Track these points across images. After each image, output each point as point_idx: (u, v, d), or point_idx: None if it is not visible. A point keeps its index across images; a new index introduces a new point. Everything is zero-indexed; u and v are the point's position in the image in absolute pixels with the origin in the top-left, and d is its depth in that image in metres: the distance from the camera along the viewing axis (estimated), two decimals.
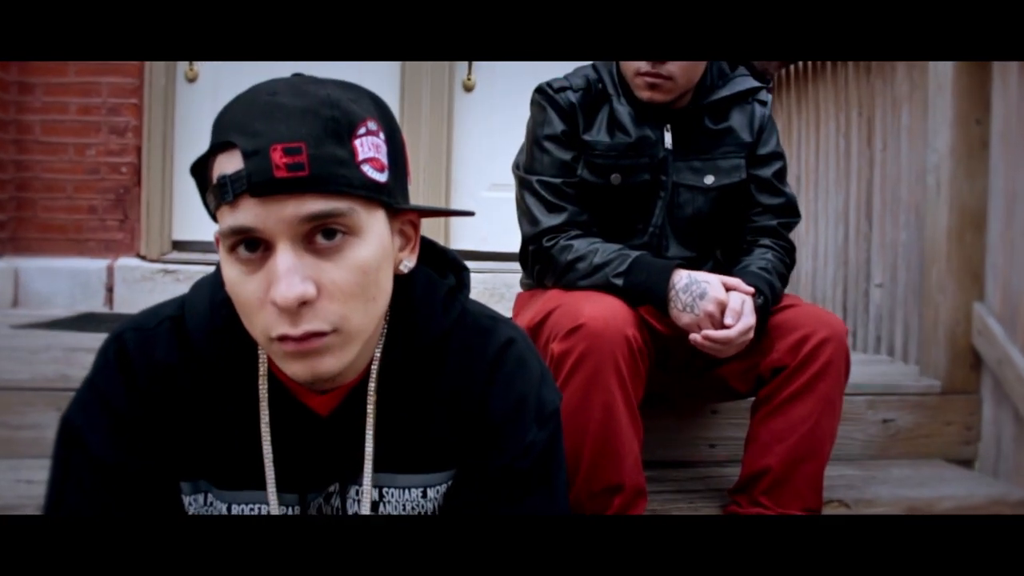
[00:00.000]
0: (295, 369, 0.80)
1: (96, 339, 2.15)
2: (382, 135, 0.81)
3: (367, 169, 0.78)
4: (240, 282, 0.78)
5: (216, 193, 0.77)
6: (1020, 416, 1.80)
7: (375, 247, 0.80)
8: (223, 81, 3.32)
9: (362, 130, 0.78)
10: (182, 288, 3.27)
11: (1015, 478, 1.82)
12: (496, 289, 3.13)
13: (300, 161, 0.74)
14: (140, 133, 3.19)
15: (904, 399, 1.95)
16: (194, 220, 3.28)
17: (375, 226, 0.80)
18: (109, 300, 3.14)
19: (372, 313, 0.82)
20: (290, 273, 0.75)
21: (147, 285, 3.12)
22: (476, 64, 3.37)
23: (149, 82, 3.20)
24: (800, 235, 2.88)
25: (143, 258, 3.20)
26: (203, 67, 3.32)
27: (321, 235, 0.77)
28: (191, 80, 3.31)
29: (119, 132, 3.18)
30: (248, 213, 0.75)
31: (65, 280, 3.12)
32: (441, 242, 3.48)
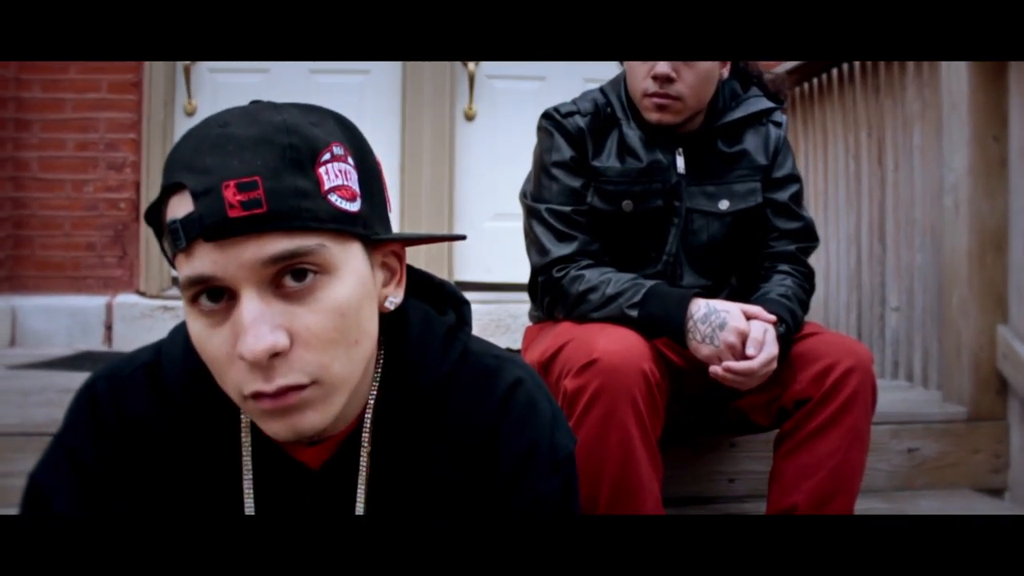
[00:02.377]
0: (274, 428, 0.72)
1: None
2: (351, 160, 0.73)
3: (335, 199, 0.70)
4: (205, 337, 0.71)
5: (169, 240, 0.69)
6: None
7: (352, 285, 0.72)
8: None
9: (327, 156, 0.70)
10: None
11: None
12: (502, 320, 3.07)
13: (256, 197, 0.66)
14: (138, 168, 3.16)
15: (929, 427, 1.88)
16: None
17: (350, 261, 0.72)
18: (108, 338, 3.09)
19: (355, 359, 0.74)
20: (257, 323, 0.67)
21: (147, 323, 3.06)
22: (477, 93, 3.34)
23: (147, 116, 3.17)
24: (811, 259, 2.81)
25: (142, 294, 3.15)
26: (201, 100, 3.29)
27: (290, 277, 0.69)
28: (189, 114, 3.28)
29: (117, 167, 3.15)
30: (205, 260, 0.67)
31: (63, 318, 3.07)
32: (444, 273, 3.42)
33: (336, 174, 0.70)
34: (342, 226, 0.71)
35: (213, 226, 0.66)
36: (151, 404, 0.81)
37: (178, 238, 0.68)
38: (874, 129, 2.48)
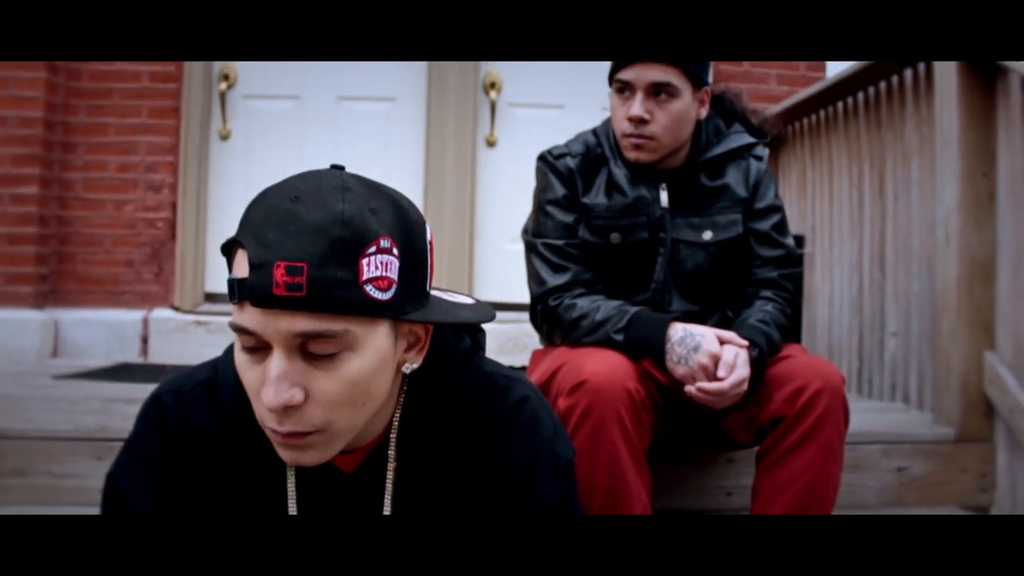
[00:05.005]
0: (282, 454, 0.86)
1: (132, 389, 2.24)
2: (396, 250, 0.83)
3: (370, 288, 0.81)
4: (245, 368, 0.84)
5: (228, 289, 0.82)
6: None
7: (369, 360, 0.84)
8: (254, 138, 3.46)
9: (372, 249, 0.81)
10: (214, 339, 3.35)
11: None
12: (519, 340, 3.19)
13: (299, 282, 0.77)
14: (175, 190, 3.33)
15: (918, 447, 1.97)
16: (225, 273, 3.38)
17: (373, 340, 0.84)
18: (144, 351, 3.25)
19: (359, 416, 0.86)
20: (279, 380, 0.81)
21: (180, 336, 3.22)
22: (498, 120, 3.48)
23: (185, 141, 3.34)
24: (816, 285, 2.92)
25: (177, 309, 3.31)
26: (235, 126, 3.46)
27: (316, 346, 0.81)
28: (224, 138, 3.45)
29: (156, 189, 3.31)
30: (251, 317, 0.80)
31: (102, 331, 3.24)
32: (465, 291, 3.57)
33: (377, 266, 0.81)
34: (370, 312, 0.82)
35: (259, 297, 0.79)
36: (210, 416, 0.95)
37: (232, 294, 0.81)
38: (876, 161, 2.58)
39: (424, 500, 0.97)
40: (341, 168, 0.87)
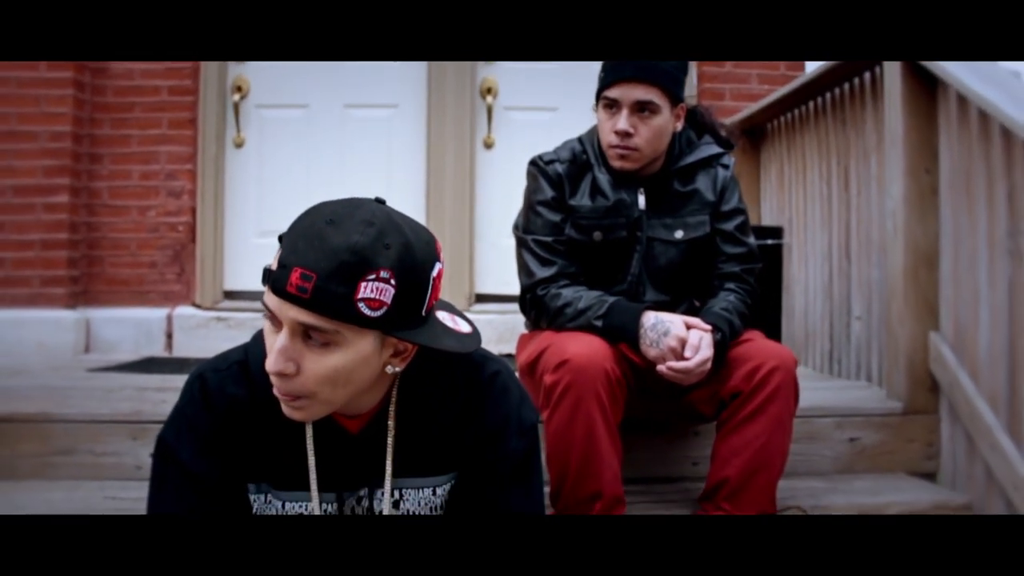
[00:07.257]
0: (283, 407, 1.10)
1: (160, 380, 2.50)
2: (393, 281, 1.03)
3: (361, 306, 1.02)
4: (267, 333, 1.08)
5: (262, 274, 1.05)
6: (969, 434, 2.02)
7: (351, 358, 1.05)
8: (267, 145, 3.69)
9: (371, 276, 1.01)
10: (233, 333, 3.59)
11: (969, 488, 2.04)
12: (516, 328, 3.37)
13: (306, 287, 1.00)
14: (194, 195, 3.56)
15: (869, 419, 2.18)
16: (242, 272, 3.65)
17: (359, 343, 1.04)
18: (169, 346, 3.49)
19: (340, 393, 1.08)
20: (280, 352, 1.04)
21: (202, 331, 3.46)
22: (495, 123, 3.69)
23: (202, 150, 3.56)
24: (794, 273, 3.13)
25: (198, 307, 3.54)
26: (249, 134, 3.68)
27: (313, 334, 1.03)
28: (239, 145, 3.67)
29: (176, 195, 3.55)
30: (273, 300, 1.04)
31: (130, 328, 3.48)
32: (465, 286, 3.79)
33: (372, 290, 1.02)
34: (358, 323, 1.03)
35: (276, 290, 1.03)
36: (243, 389, 1.18)
37: (264, 279, 1.05)
38: (841, 158, 2.78)
39: (417, 456, 1.20)
40: (382, 202, 1.09)
